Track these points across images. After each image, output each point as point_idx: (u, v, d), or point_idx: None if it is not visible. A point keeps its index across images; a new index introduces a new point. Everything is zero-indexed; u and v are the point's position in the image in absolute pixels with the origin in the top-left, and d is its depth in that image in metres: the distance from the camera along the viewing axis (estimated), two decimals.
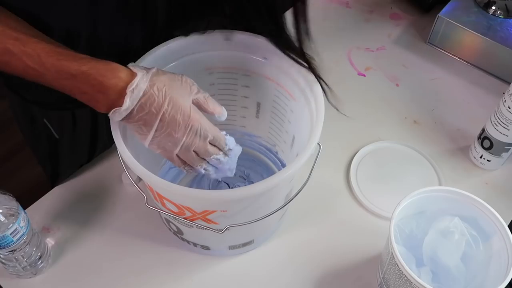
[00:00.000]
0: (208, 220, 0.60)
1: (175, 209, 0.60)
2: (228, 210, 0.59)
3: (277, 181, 0.56)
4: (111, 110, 0.53)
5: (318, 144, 0.61)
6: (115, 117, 0.53)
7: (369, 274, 0.70)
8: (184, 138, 0.55)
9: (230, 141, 0.59)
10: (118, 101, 0.52)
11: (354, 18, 1.08)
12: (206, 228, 0.61)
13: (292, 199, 0.64)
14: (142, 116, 0.53)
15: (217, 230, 0.60)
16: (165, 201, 0.60)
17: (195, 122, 0.55)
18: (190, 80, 0.56)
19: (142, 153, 0.61)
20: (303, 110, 0.66)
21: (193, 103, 0.55)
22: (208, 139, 0.56)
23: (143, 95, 0.52)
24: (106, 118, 0.77)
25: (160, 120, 0.53)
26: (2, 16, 0.53)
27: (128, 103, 0.52)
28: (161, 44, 0.65)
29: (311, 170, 0.63)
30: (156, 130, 0.54)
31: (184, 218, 0.61)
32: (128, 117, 0.53)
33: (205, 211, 0.59)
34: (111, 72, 0.52)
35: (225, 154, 0.59)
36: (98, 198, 0.77)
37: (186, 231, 0.67)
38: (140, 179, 0.59)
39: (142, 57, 0.64)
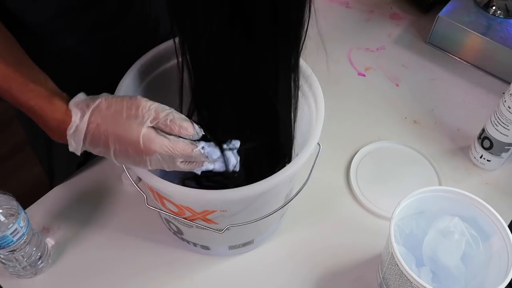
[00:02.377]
0: (208, 220, 0.60)
1: (175, 209, 0.60)
2: (228, 210, 0.59)
3: (277, 181, 0.55)
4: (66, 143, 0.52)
5: (318, 144, 0.60)
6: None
7: (369, 274, 0.70)
8: (148, 167, 0.52)
9: (212, 153, 0.53)
10: (65, 140, 0.51)
11: (354, 18, 1.08)
12: (206, 228, 0.61)
13: (292, 199, 0.64)
14: (97, 151, 0.52)
15: (217, 230, 0.60)
16: (165, 201, 0.60)
17: (151, 153, 0.50)
18: (145, 104, 0.51)
19: None
20: (303, 110, 0.66)
21: (154, 128, 0.51)
22: (179, 160, 0.52)
23: (85, 136, 0.51)
24: None
25: (114, 154, 0.51)
26: None
27: (74, 145, 0.51)
28: (168, 41, 0.66)
29: (311, 170, 0.63)
30: (116, 161, 0.52)
31: (184, 218, 0.61)
32: (86, 150, 0.52)
33: (205, 211, 0.59)
34: (50, 113, 0.51)
35: (212, 162, 0.54)
36: (98, 198, 0.77)
37: (186, 231, 0.67)
38: (140, 179, 0.59)
39: (151, 50, 0.64)
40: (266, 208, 0.62)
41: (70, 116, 0.50)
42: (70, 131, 0.50)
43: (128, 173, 0.63)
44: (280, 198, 0.64)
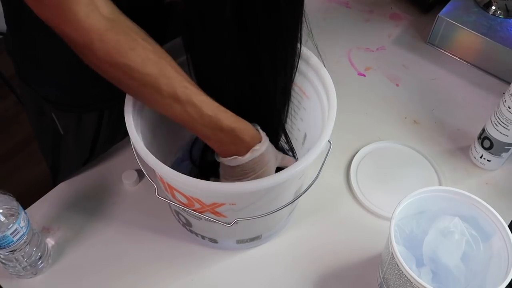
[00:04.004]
0: (216, 213, 0.61)
1: (184, 201, 0.61)
2: (237, 204, 0.59)
3: (286, 176, 0.56)
4: (231, 156, 0.59)
5: (329, 141, 0.61)
6: (231, 162, 0.59)
7: (369, 274, 0.70)
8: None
9: None
10: (240, 153, 0.59)
11: (354, 18, 1.08)
12: (214, 221, 0.61)
13: (300, 196, 0.64)
14: (243, 170, 0.60)
15: (225, 223, 0.61)
16: (175, 192, 0.60)
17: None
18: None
19: (153, 148, 0.62)
20: (316, 107, 0.66)
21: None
22: None
23: (259, 156, 0.59)
24: (109, 122, 0.79)
25: (250, 176, 0.60)
26: (164, 53, 0.55)
27: (248, 156, 0.58)
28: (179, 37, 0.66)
29: (321, 167, 0.63)
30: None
31: (193, 210, 0.61)
32: (237, 166, 0.59)
33: (214, 204, 0.59)
34: (247, 132, 0.58)
35: None
36: (98, 198, 0.77)
37: (195, 223, 0.67)
38: (143, 175, 0.59)
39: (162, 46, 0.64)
40: (275, 203, 0.62)
41: (259, 137, 0.60)
42: (256, 148, 0.59)
43: (141, 165, 0.63)
44: (289, 195, 0.64)
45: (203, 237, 0.71)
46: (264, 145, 0.60)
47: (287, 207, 0.63)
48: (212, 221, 0.61)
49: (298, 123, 0.73)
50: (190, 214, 0.63)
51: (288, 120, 0.75)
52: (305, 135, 0.72)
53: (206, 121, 0.55)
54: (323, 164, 0.63)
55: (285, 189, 0.62)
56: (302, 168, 0.56)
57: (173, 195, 0.62)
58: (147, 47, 0.52)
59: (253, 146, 0.59)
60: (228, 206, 0.59)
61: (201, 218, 0.63)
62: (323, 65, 0.65)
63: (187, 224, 0.69)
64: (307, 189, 0.64)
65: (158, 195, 0.62)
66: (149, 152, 0.56)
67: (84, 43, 0.49)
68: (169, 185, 0.60)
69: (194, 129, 0.57)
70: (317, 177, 0.63)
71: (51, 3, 0.47)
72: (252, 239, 0.71)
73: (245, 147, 0.59)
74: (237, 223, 0.61)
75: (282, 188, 0.61)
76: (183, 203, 0.61)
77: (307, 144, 0.71)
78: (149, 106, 0.60)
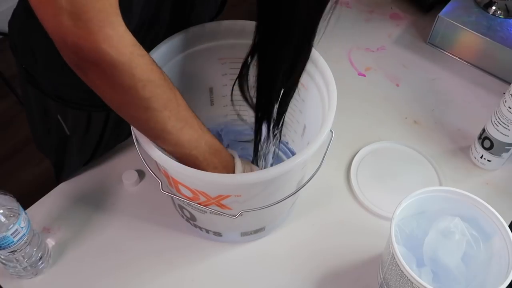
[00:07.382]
0: (222, 206, 0.61)
1: (189, 194, 0.61)
2: (242, 195, 0.60)
3: (291, 166, 0.56)
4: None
5: (331, 131, 0.61)
6: None
7: (369, 274, 0.70)
8: None
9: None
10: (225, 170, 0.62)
11: (354, 18, 1.08)
12: (220, 214, 0.61)
13: (304, 185, 0.65)
14: None
15: (230, 215, 0.61)
16: (180, 186, 0.60)
17: None
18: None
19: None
20: (315, 98, 0.66)
21: None
22: None
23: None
24: (115, 121, 0.78)
25: None
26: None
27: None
28: (176, 33, 0.66)
29: (324, 156, 0.63)
30: None
31: (198, 203, 0.61)
32: None
33: (219, 196, 0.59)
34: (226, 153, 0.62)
35: None
36: (98, 199, 0.77)
37: (199, 217, 0.68)
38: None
39: (157, 45, 0.65)
40: (279, 194, 0.62)
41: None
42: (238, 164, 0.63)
43: (145, 162, 0.63)
44: (293, 185, 0.64)
45: (207, 231, 0.71)
46: (241, 165, 0.63)
47: (289, 198, 0.64)
48: (217, 213, 0.62)
49: (297, 115, 0.73)
50: (195, 208, 0.63)
51: (287, 113, 0.75)
52: (305, 127, 0.72)
53: (206, 155, 0.59)
54: (325, 154, 0.63)
55: (288, 179, 0.63)
56: (306, 157, 0.57)
57: (178, 189, 0.62)
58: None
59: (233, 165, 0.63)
60: (233, 198, 0.59)
61: (206, 212, 0.63)
62: (320, 56, 0.65)
63: (191, 219, 0.70)
64: (310, 179, 0.64)
65: (162, 190, 0.62)
66: (154, 147, 0.56)
67: (120, 61, 0.47)
68: (173, 179, 0.60)
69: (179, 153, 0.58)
70: (320, 166, 0.63)
71: (86, 27, 0.44)
72: (256, 231, 0.71)
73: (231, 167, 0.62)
74: (242, 215, 0.61)
75: (286, 178, 0.62)
76: (188, 197, 0.62)
77: (307, 135, 0.71)
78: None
